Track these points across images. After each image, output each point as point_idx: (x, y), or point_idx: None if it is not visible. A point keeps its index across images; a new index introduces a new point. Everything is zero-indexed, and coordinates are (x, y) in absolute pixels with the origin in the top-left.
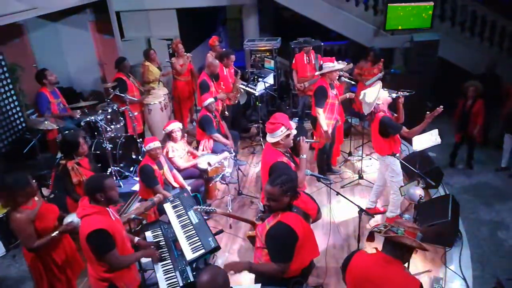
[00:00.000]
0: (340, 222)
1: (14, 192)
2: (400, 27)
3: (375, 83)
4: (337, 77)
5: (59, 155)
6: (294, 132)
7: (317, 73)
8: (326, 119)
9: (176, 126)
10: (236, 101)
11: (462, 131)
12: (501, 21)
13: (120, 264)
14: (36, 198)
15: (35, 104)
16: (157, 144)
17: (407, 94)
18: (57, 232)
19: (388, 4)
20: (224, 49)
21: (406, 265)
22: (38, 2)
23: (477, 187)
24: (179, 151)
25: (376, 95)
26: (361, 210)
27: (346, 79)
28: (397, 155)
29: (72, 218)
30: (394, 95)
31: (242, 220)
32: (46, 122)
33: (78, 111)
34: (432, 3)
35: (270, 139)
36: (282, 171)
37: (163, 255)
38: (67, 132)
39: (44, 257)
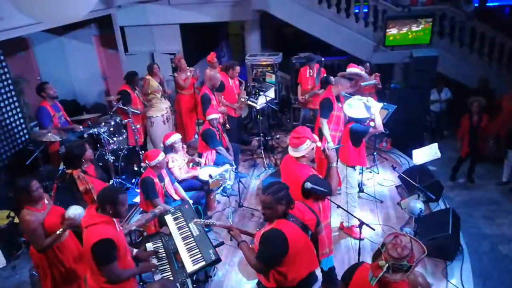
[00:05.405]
0: (340, 234)
1: (21, 194)
2: (399, 44)
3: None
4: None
5: (61, 167)
6: (319, 144)
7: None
8: (332, 131)
9: (177, 138)
10: (241, 113)
11: (471, 146)
12: (500, 38)
13: (117, 278)
14: (46, 201)
15: (37, 118)
16: (162, 155)
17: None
18: (61, 229)
19: (388, 21)
20: (226, 63)
21: None
22: (44, 16)
23: (477, 201)
24: (178, 162)
25: (366, 114)
26: (361, 223)
27: (347, 94)
28: (358, 167)
29: (70, 210)
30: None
31: (243, 232)
32: (49, 134)
33: (81, 126)
34: (431, 21)
35: (294, 153)
36: (319, 184)
37: (163, 267)
38: (71, 142)
39: (52, 259)
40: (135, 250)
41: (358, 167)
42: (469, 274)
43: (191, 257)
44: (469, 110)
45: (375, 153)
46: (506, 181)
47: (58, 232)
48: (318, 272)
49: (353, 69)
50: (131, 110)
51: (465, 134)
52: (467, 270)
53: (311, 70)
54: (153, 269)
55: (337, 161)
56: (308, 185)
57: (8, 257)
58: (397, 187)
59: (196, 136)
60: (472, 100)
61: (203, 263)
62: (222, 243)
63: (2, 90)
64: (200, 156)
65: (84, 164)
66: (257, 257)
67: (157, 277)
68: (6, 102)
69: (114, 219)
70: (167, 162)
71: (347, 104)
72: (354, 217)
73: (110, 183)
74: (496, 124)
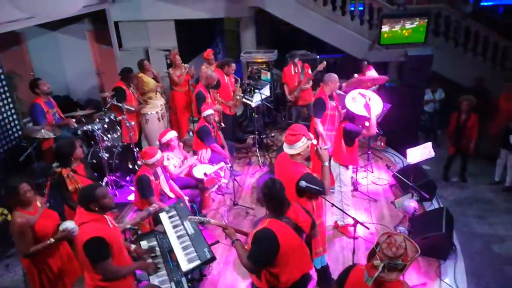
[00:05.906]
0: (335, 233)
1: (10, 196)
2: (394, 42)
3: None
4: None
5: (54, 164)
6: (315, 142)
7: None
8: (327, 131)
9: (173, 135)
10: (236, 110)
11: (457, 144)
12: (494, 37)
13: (113, 275)
14: (38, 204)
15: (30, 115)
16: (160, 154)
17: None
18: (53, 239)
19: (383, 19)
20: (221, 60)
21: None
22: (37, 10)
23: (470, 200)
24: (174, 160)
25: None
26: (356, 222)
27: (341, 92)
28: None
29: (67, 224)
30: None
31: (237, 231)
32: (42, 131)
33: (74, 119)
34: (425, 20)
35: (289, 151)
36: (313, 183)
37: (158, 266)
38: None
39: (40, 264)
40: (133, 246)
41: (351, 166)
42: (462, 273)
43: (186, 256)
44: (458, 108)
45: (369, 152)
46: (498, 181)
47: (48, 241)
48: (312, 271)
49: (372, 72)
50: (126, 107)
51: (451, 132)
52: (460, 269)
53: (295, 68)
54: (151, 267)
55: (329, 160)
56: (303, 183)
57: (1, 255)
58: (391, 186)
59: (191, 133)
60: (462, 99)
61: (198, 261)
62: (217, 242)
63: None
64: (195, 153)
65: (74, 163)
66: (248, 256)
67: (152, 277)
68: None
69: (105, 216)
70: (162, 160)
71: (351, 96)
72: (349, 216)
73: (104, 180)
74: (495, 124)
